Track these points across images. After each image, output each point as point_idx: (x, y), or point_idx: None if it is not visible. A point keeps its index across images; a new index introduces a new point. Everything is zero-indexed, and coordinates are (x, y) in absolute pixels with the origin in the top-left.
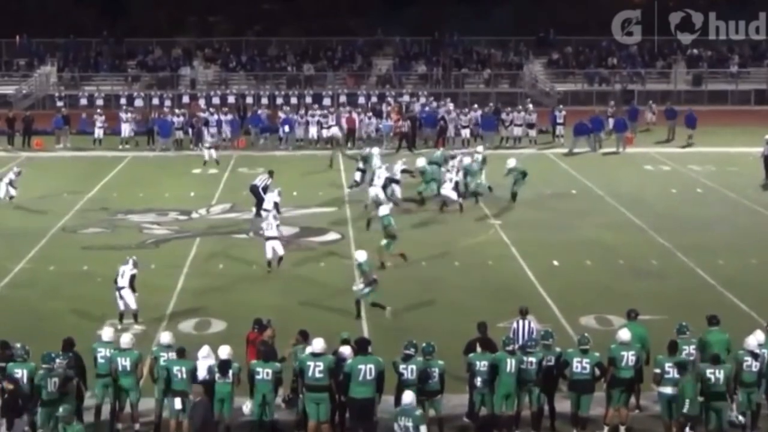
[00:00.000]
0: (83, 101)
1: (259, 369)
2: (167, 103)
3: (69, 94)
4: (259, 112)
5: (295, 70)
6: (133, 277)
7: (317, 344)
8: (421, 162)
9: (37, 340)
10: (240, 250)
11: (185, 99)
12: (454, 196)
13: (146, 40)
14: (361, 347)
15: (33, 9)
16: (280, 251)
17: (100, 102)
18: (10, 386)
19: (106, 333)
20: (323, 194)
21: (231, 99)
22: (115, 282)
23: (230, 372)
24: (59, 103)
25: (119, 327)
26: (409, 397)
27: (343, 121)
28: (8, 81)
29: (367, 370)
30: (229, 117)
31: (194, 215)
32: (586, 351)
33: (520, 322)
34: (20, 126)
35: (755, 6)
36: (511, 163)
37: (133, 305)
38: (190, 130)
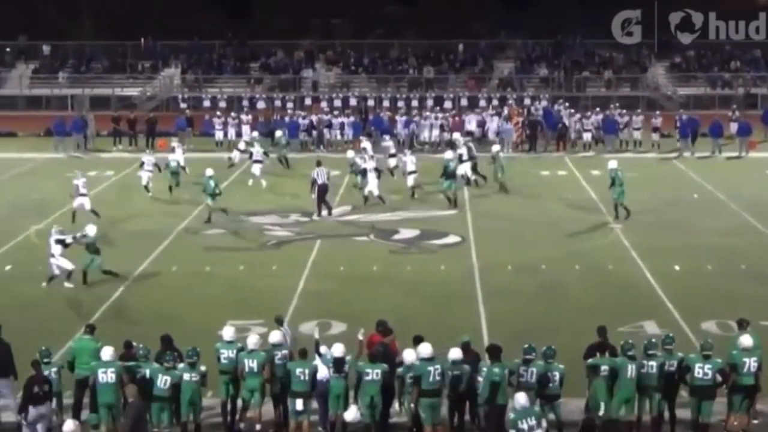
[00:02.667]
0: (206, 103)
1: (368, 370)
2: (289, 105)
3: (192, 96)
4: (381, 114)
5: (416, 73)
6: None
7: (425, 349)
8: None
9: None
10: (361, 252)
11: (307, 101)
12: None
13: (269, 43)
14: (493, 353)
15: (158, 12)
16: None
17: (222, 104)
18: (133, 385)
19: (228, 333)
20: (443, 197)
21: (353, 101)
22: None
23: (345, 368)
24: (182, 105)
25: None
26: (523, 398)
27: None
28: (133, 83)
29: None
30: (351, 119)
31: (315, 217)
32: (709, 357)
33: None
34: (144, 127)
35: (755, 6)
36: (612, 164)
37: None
38: (313, 132)
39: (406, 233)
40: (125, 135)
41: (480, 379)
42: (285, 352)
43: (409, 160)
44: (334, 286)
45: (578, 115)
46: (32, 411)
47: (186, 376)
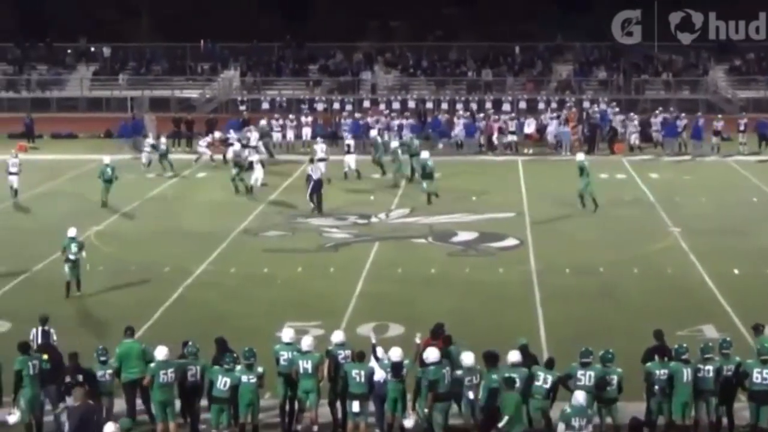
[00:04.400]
0: (265, 105)
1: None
2: (348, 107)
3: (251, 99)
4: (439, 116)
5: (475, 75)
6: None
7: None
8: None
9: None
10: (419, 255)
11: (366, 103)
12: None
13: (328, 45)
14: (490, 360)
15: (217, 14)
16: None
17: (281, 106)
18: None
19: (287, 334)
20: (501, 199)
21: (411, 104)
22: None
23: (403, 372)
24: (241, 107)
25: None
26: (582, 396)
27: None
28: (192, 85)
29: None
30: (410, 121)
31: (373, 219)
32: (767, 361)
33: None
34: (203, 128)
35: (755, 6)
36: (580, 157)
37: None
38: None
39: (465, 236)
40: (184, 136)
41: (537, 382)
42: (347, 352)
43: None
44: (392, 289)
45: (622, 116)
46: (67, 400)
47: (244, 378)
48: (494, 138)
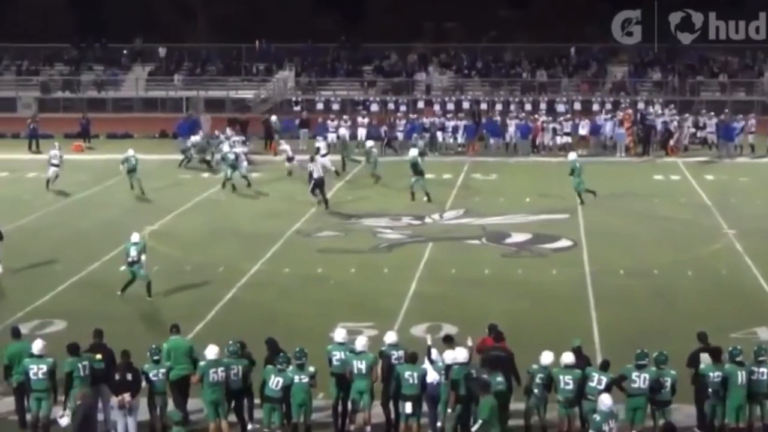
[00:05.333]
0: (320, 106)
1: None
2: (402, 108)
3: (306, 99)
4: (494, 117)
5: (529, 77)
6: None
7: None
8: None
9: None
10: (472, 256)
11: (420, 104)
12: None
13: (382, 46)
14: (493, 364)
15: (272, 14)
16: None
17: (336, 107)
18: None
19: (340, 334)
20: (555, 201)
21: (465, 104)
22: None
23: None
24: (296, 108)
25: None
26: (608, 399)
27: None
28: (247, 85)
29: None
30: (464, 122)
31: (427, 220)
32: None
33: None
34: (260, 129)
35: (755, 6)
36: (572, 156)
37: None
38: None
39: (518, 237)
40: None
41: (591, 383)
42: (400, 353)
43: None
44: (445, 289)
45: (677, 118)
46: (113, 400)
47: (296, 378)
48: (541, 139)
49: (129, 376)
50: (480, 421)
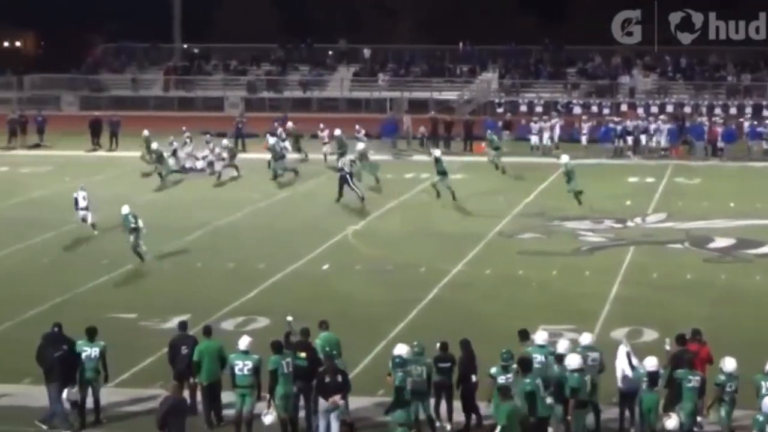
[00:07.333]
0: (523, 108)
1: (690, 377)
2: (605, 111)
3: (509, 101)
4: (699, 121)
5: (735, 80)
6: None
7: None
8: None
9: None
10: (674, 260)
11: (623, 107)
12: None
13: (586, 48)
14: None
15: (475, 16)
16: None
17: (539, 109)
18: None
19: (541, 337)
20: (761, 206)
21: (669, 108)
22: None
23: (659, 383)
24: (499, 110)
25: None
26: None
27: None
28: (450, 87)
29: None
30: (668, 126)
31: (629, 224)
32: None
33: None
34: (460, 131)
35: (755, 6)
36: (564, 158)
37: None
38: (628, 138)
39: (722, 242)
40: (442, 138)
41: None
42: (596, 354)
43: None
44: (646, 294)
45: None
46: (321, 402)
47: (501, 379)
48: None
49: (339, 378)
50: (499, 427)
